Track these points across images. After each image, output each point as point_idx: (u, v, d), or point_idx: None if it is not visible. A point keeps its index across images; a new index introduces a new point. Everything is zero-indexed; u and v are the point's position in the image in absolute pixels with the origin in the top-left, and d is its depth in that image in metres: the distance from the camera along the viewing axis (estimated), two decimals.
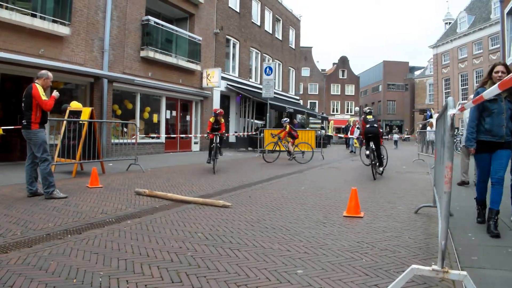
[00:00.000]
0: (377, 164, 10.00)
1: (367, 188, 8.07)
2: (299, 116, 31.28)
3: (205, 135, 11.71)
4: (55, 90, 6.50)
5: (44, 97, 6.11)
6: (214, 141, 10.86)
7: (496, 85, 2.22)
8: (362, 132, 10.73)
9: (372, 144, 9.74)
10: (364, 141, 10.58)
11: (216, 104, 20.69)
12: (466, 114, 8.57)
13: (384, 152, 10.56)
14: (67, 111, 9.80)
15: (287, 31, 30.66)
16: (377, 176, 9.68)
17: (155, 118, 17.04)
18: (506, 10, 17.44)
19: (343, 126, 32.79)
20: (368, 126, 10.22)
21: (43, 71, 6.45)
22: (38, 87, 6.15)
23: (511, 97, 4.66)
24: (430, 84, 52.69)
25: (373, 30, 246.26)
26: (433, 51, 45.26)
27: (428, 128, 22.44)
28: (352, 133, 22.00)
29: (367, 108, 11.14)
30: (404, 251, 3.89)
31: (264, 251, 3.85)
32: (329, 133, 33.80)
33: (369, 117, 10.20)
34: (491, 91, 2.41)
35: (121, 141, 13.43)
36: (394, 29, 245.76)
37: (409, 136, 42.83)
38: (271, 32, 27.56)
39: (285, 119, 15.09)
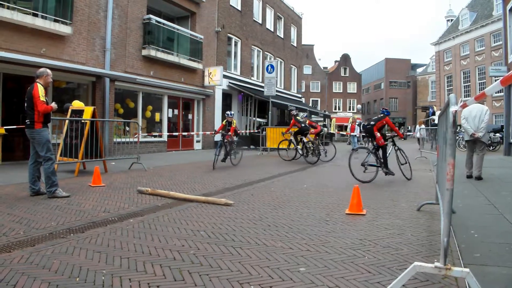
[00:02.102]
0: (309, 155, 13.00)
1: (369, 186, 8.06)
2: (301, 114, 31.21)
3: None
4: (53, 102, 6.49)
5: (42, 98, 6.10)
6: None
7: (498, 81, 2.21)
8: (289, 129, 13.73)
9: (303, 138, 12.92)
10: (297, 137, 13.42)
11: (218, 102, 20.69)
12: (466, 112, 8.60)
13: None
14: (69, 110, 9.81)
15: (288, 29, 30.62)
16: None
17: (157, 116, 17.06)
18: (508, 7, 17.38)
19: (346, 124, 32.90)
20: (303, 125, 13.11)
21: (42, 69, 6.44)
22: (39, 87, 6.15)
23: None
24: (432, 82, 52.59)
25: (375, 27, 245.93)
26: (435, 48, 45.11)
27: (417, 126, 22.90)
28: (352, 131, 21.91)
29: (295, 111, 14.59)
30: (406, 249, 3.88)
31: (267, 249, 3.85)
32: (331, 131, 33.80)
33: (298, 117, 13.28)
34: (493, 87, 2.40)
35: (123, 140, 13.44)
36: (395, 27, 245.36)
37: (411, 133, 42.71)
38: (272, 30, 27.52)
39: (231, 112, 13.63)
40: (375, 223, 4.93)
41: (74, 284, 2.93)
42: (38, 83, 6.21)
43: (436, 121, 27.69)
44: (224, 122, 12.02)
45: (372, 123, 8.99)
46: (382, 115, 9.02)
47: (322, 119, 38.30)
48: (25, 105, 6.22)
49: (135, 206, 5.84)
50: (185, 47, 17.56)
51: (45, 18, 11.32)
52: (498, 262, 3.44)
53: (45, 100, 6.17)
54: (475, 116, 8.49)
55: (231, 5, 21.88)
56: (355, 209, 5.45)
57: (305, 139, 13.04)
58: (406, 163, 9.03)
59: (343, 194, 6.97)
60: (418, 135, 22.48)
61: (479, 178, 8.47)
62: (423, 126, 22.88)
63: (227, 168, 11.12)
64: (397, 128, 9.14)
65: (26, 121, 6.23)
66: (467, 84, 38.76)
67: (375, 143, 8.92)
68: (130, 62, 14.88)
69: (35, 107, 6.11)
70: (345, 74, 61.48)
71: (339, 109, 60.92)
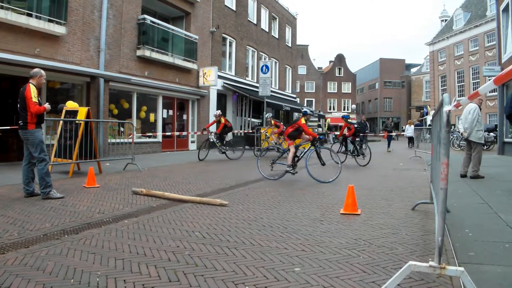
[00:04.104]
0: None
1: (364, 186, 8.08)
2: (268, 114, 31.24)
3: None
4: (47, 103, 6.45)
5: (34, 99, 6.06)
6: None
7: (491, 80, 2.23)
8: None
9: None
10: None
11: (213, 102, 20.68)
12: (467, 109, 8.68)
13: None
14: (63, 111, 9.76)
15: (283, 29, 30.63)
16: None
17: (151, 117, 17.01)
18: (502, 7, 17.48)
19: (340, 124, 33.00)
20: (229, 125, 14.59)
21: (36, 70, 6.40)
22: (32, 88, 6.11)
23: None
24: (426, 81, 52.87)
25: (369, 28, 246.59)
26: (429, 48, 45.33)
27: (407, 126, 23.18)
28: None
29: (218, 111, 15.34)
30: (401, 248, 3.90)
31: (262, 249, 3.85)
32: (326, 131, 33.88)
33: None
34: (487, 86, 2.41)
35: (118, 140, 13.40)
36: (390, 27, 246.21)
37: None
38: (267, 30, 27.53)
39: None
40: (370, 222, 4.94)
41: (69, 285, 2.92)
42: (30, 84, 6.17)
43: (420, 121, 28.09)
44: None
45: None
46: None
47: (316, 119, 38.37)
48: (18, 106, 6.18)
49: (130, 207, 5.82)
50: (180, 48, 17.53)
51: (40, 18, 11.26)
52: (493, 260, 3.46)
53: (37, 101, 6.13)
54: (463, 115, 8.70)
55: (226, 6, 21.87)
56: (350, 209, 5.46)
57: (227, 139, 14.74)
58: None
59: (338, 194, 6.98)
60: (408, 134, 22.84)
61: (475, 177, 8.50)
62: (412, 126, 23.24)
63: (222, 169, 11.11)
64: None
65: (19, 122, 6.19)
66: (461, 84, 38.97)
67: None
68: (124, 63, 14.83)
69: (28, 108, 6.07)
70: (339, 74, 61.66)
71: (333, 109, 61.06)
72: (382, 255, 3.69)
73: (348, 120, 13.53)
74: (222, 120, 14.27)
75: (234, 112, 23.53)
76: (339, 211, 5.55)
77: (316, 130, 19.99)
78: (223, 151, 14.13)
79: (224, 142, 14.45)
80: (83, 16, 12.97)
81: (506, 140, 16.46)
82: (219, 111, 15.38)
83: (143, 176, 9.22)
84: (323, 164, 8.98)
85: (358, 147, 13.12)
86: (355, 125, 13.40)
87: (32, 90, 6.08)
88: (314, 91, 60.03)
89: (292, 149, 8.90)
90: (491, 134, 20.30)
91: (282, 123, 16.71)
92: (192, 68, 18.38)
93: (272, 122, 15.97)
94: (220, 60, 21.38)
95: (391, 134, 20.96)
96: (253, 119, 24.75)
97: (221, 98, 22.10)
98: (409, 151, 19.48)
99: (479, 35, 35.99)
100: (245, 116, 24.15)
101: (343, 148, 13.27)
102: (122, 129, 15.45)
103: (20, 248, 3.77)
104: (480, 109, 8.75)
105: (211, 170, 10.70)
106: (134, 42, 15.27)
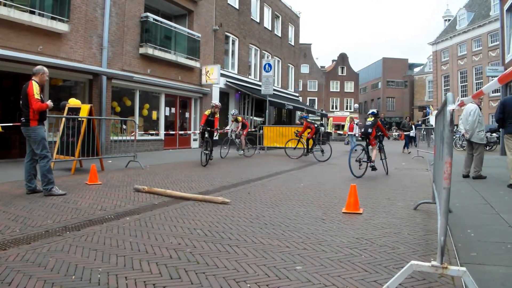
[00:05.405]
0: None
1: (366, 185, 8.07)
2: (298, 112, 31.20)
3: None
4: (49, 100, 6.45)
5: (37, 96, 6.05)
6: None
7: (496, 79, 2.22)
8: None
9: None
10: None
11: (216, 101, 20.66)
12: (467, 110, 8.65)
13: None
14: (66, 108, 9.78)
15: (286, 27, 30.61)
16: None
17: (154, 115, 17.02)
18: (506, 7, 17.42)
19: (343, 123, 32.88)
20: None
21: (39, 67, 6.39)
22: (34, 85, 6.10)
23: None
24: (429, 81, 52.77)
25: (372, 27, 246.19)
26: (432, 48, 45.26)
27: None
28: (351, 130, 21.88)
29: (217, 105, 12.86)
30: (403, 247, 3.88)
31: (263, 247, 3.84)
32: (329, 130, 33.87)
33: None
34: (491, 86, 2.40)
35: (120, 138, 13.42)
36: (393, 26, 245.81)
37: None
38: (270, 29, 27.50)
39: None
40: (372, 222, 4.93)
41: (70, 282, 2.92)
42: (33, 81, 6.16)
43: (423, 121, 28.13)
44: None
45: None
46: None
47: (319, 118, 38.31)
48: (20, 103, 6.19)
49: (132, 204, 5.83)
50: (183, 46, 17.54)
51: (42, 15, 11.28)
52: (495, 261, 3.45)
53: (39, 98, 6.12)
54: (464, 116, 8.70)
55: (228, 4, 21.86)
56: (352, 208, 5.45)
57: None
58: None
59: (340, 193, 6.97)
60: (410, 134, 22.91)
61: (478, 177, 8.48)
62: (413, 126, 23.36)
63: (224, 167, 11.11)
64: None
65: (22, 118, 6.19)
66: (464, 84, 38.90)
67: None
68: (127, 60, 14.84)
69: (30, 105, 6.07)
70: (342, 73, 61.56)
71: (336, 108, 60.99)
72: (384, 254, 3.68)
73: (308, 120, 14.45)
74: (218, 114, 12.12)
75: (236, 110, 23.51)
76: (341, 210, 5.54)
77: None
78: (207, 152, 11.44)
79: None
80: (86, 13, 12.98)
81: None
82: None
83: (145, 174, 9.23)
84: (385, 158, 10.07)
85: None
86: (315, 125, 14.12)
87: (34, 87, 6.08)
88: (316, 90, 59.95)
89: (377, 148, 9.77)
90: (494, 134, 20.23)
91: (247, 121, 16.18)
92: (194, 66, 18.39)
93: (239, 119, 15.05)
94: (222, 58, 21.38)
95: (408, 133, 20.64)
96: (255, 118, 24.75)
97: (224, 97, 22.10)
98: (411, 150, 19.45)
99: (482, 35, 35.91)
100: (247, 115, 24.15)
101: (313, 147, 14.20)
102: (124, 126, 15.48)
103: (22, 245, 3.77)
104: (480, 109, 8.75)
105: (213, 168, 10.70)
106: (136, 40, 15.28)
